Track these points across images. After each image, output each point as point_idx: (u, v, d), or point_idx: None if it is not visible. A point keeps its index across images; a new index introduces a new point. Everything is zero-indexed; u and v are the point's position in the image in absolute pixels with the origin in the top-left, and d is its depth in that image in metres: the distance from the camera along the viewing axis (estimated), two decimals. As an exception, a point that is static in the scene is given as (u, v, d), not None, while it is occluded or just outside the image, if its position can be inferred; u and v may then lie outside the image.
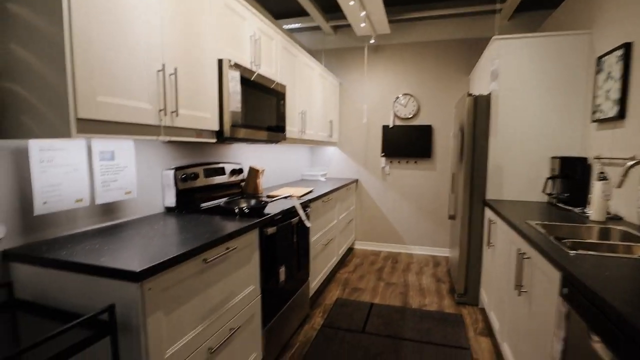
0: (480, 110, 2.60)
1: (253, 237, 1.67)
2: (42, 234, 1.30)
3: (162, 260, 1.07)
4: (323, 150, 4.27)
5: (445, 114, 3.78)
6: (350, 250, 4.08)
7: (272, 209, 1.95)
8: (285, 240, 1.89)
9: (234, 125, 1.83)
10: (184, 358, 1.21)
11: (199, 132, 1.68)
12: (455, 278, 2.85)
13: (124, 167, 1.57)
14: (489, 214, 2.44)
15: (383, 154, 3.95)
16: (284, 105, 2.43)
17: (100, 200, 1.45)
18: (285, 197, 2.35)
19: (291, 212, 2.10)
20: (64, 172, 1.31)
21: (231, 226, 1.52)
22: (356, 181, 4.10)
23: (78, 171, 1.37)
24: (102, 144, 1.46)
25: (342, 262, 3.65)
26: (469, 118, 2.60)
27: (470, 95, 2.60)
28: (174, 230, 1.47)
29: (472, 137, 2.61)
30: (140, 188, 1.74)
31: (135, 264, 1.03)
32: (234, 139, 1.91)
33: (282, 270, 1.88)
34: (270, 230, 1.75)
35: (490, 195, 2.58)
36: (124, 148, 1.57)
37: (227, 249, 1.46)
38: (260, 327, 1.78)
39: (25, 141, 1.24)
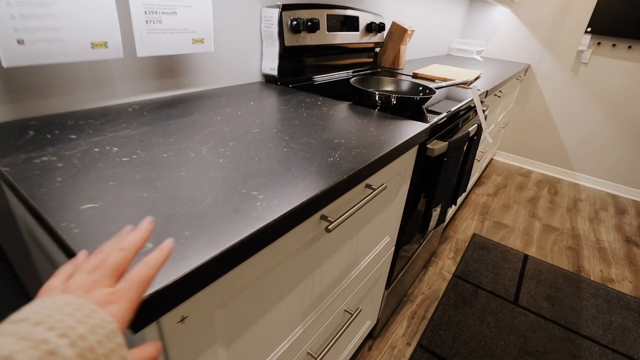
0: None
1: (407, 159, 0.89)
2: (18, 107, 0.70)
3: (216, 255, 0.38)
4: (486, 12, 2.88)
5: None
6: (488, 162, 3.09)
7: (437, 105, 1.08)
8: (453, 166, 1.07)
9: None
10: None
11: None
12: (672, 251, 1.81)
13: (191, -15, 0.80)
14: None
15: (589, 29, 2.46)
16: None
17: (144, 49, 0.75)
18: (457, 84, 1.41)
19: (463, 114, 1.20)
20: (59, -29, 0.60)
21: (371, 134, 0.74)
22: (527, 67, 2.78)
23: (92, -24, 0.64)
24: None
25: (478, 178, 2.75)
26: None
27: None
28: (267, 137, 0.74)
29: None
30: (219, 35, 0.99)
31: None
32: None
33: (437, 212, 1.12)
34: (438, 148, 0.93)
35: None
36: (189, -61, 0.77)
37: (369, 189, 0.72)
38: (383, 290, 1.16)
39: None
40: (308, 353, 0.78)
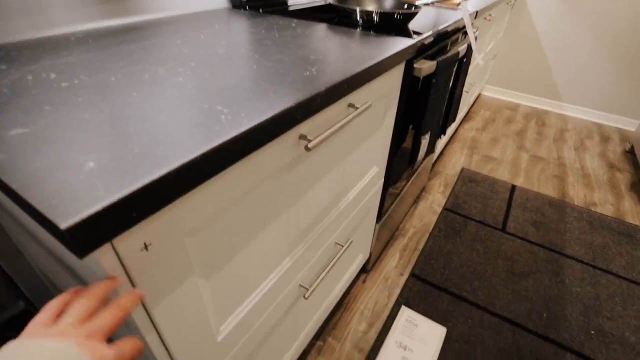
0: None
1: (393, 80, 0.82)
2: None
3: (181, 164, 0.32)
4: None
5: None
6: (476, 97, 3.02)
7: (422, 25, 0.99)
8: (442, 89, 1.01)
9: None
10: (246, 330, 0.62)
11: None
12: (654, 172, 1.84)
13: None
14: None
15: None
16: None
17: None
18: (438, 3, 1.29)
19: (452, 34, 1.11)
20: None
21: (353, 50, 0.66)
22: (518, -9, 2.61)
23: None
24: None
25: (466, 113, 2.69)
26: None
27: None
28: (233, 57, 0.66)
29: None
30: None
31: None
32: None
33: (426, 139, 1.08)
34: (426, 67, 0.86)
35: None
36: None
37: (352, 107, 0.65)
38: (374, 224, 1.15)
39: None
40: (300, 285, 0.77)
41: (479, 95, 3.08)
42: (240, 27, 0.82)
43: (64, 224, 0.26)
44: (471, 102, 2.52)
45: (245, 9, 1.03)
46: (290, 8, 1.13)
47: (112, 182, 0.30)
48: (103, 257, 0.32)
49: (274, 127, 0.43)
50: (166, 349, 0.45)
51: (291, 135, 0.51)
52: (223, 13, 0.96)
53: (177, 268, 0.41)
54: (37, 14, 0.68)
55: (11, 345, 0.25)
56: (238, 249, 0.51)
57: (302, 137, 0.53)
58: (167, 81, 0.50)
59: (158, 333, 0.43)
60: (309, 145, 0.50)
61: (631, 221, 1.71)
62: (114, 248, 0.33)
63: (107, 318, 0.30)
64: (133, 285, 0.36)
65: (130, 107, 0.42)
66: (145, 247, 0.35)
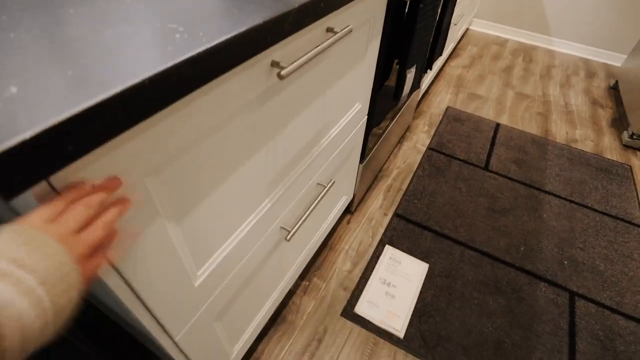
0: None
1: (376, 6, 0.73)
2: None
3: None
4: None
5: None
6: (464, 32, 2.88)
7: (413, -63, 0.87)
8: (430, 15, 0.92)
9: None
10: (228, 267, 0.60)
11: None
12: (629, 106, 1.84)
13: None
14: None
15: None
16: None
17: None
18: None
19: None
20: None
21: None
22: None
23: None
24: None
25: (453, 50, 2.57)
26: None
27: None
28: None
29: None
30: None
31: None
32: None
33: (411, 73, 1.01)
34: (413, -10, 0.77)
35: None
36: None
37: (331, 32, 0.58)
38: (357, 164, 1.12)
39: None
40: (282, 227, 0.75)
41: (467, 30, 2.93)
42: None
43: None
44: (458, 37, 2.41)
45: None
46: None
47: (39, 110, 0.24)
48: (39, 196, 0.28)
49: (239, 49, 0.37)
50: (139, 299, 0.43)
51: (262, 62, 0.45)
52: None
53: (138, 210, 0.37)
54: None
55: (19, 229, 0.25)
56: (210, 189, 0.47)
57: (275, 64, 0.47)
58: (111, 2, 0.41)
59: (127, 284, 0.40)
60: (282, 73, 0.44)
61: (609, 156, 1.74)
62: (52, 187, 0.28)
63: (97, 234, 0.29)
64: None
65: (65, 25, 0.35)
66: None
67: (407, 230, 1.29)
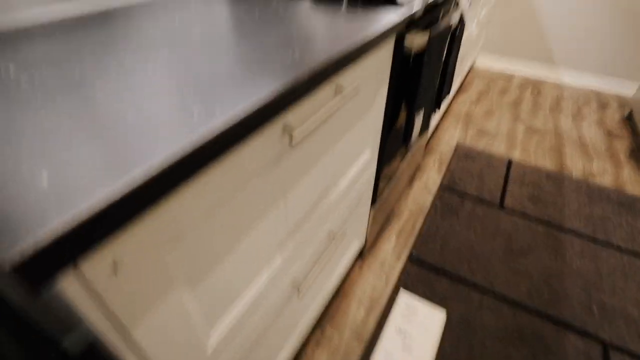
0: None
1: (383, 57, 0.74)
2: None
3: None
4: None
5: None
6: (470, 67, 2.92)
7: (416, -9, 0.90)
8: (435, 63, 0.94)
9: None
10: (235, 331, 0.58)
11: None
12: (653, 139, 1.80)
13: None
14: None
15: None
16: None
17: None
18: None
19: (443, 4, 1.02)
20: None
21: (339, 28, 0.58)
22: (512, -47, 2.47)
23: None
24: None
25: (460, 85, 2.60)
26: None
27: None
28: (216, 42, 0.58)
29: None
30: None
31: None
32: None
33: (420, 116, 1.01)
34: (418, 42, 0.79)
35: None
36: None
37: (339, 93, 0.59)
38: (369, 208, 1.10)
39: None
40: (293, 283, 0.72)
41: (472, 65, 2.98)
42: (217, 6, 0.73)
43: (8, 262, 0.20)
44: (465, 72, 2.44)
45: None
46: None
47: (69, 199, 0.24)
48: (72, 288, 0.27)
49: (253, 121, 0.37)
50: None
51: (275, 127, 0.45)
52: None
53: (156, 283, 0.36)
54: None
55: None
56: (222, 254, 0.46)
57: (286, 128, 0.47)
58: (136, 74, 0.42)
59: (141, 354, 0.38)
60: (293, 142, 0.43)
61: (631, 190, 1.69)
62: (77, 274, 0.27)
63: None
64: (108, 311, 0.31)
65: (93, 106, 0.35)
66: (116, 265, 0.30)
67: (421, 275, 1.24)
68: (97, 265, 0.28)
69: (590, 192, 1.66)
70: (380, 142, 0.94)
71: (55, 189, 0.25)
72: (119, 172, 0.27)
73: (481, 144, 1.97)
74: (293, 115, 0.48)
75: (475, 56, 2.73)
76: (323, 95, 0.54)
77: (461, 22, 1.08)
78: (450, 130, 2.08)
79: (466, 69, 2.44)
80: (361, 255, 1.30)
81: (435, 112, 1.29)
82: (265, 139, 0.44)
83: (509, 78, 2.79)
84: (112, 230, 0.26)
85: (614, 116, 2.32)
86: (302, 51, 0.49)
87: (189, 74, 0.41)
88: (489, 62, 2.97)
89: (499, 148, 1.95)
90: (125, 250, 0.30)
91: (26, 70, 0.43)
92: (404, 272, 1.25)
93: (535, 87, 2.66)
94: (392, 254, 1.32)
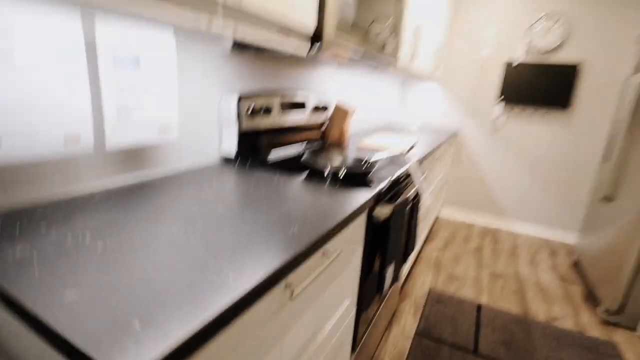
0: None
1: (358, 227, 0.99)
2: None
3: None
4: (417, 87, 3.34)
5: (614, 47, 2.61)
6: (435, 218, 3.34)
7: (381, 172, 1.23)
8: (399, 227, 1.20)
9: (339, 29, 1.05)
10: None
11: (284, 30, 0.94)
12: (595, 282, 2.03)
13: (157, 85, 0.91)
14: None
15: (502, 98, 2.94)
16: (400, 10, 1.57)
17: (114, 142, 0.82)
18: (395, 155, 1.60)
19: (403, 180, 1.37)
20: (40, 83, 0.68)
21: (324, 206, 0.84)
22: (456, 133, 3.20)
23: (69, 84, 0.72)
24: (116, 37, 0.79)
25: (427, 235, 2.93)
26: None
27: None
28: (228, 216, 0.82)
29: None
30: (182, 124, 1.09)
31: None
32: (331, 52, 1.15)
33: (390, 270, 1.21)
34: (384, 213, 1.06)
35: None
36: (156, 47, 0.89)
37: (326, 256, 0.79)
38: (349, 354, 1.18)
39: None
40: None
41: (437, 217, 3.40)
42: (231, 184, 1.00)
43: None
44: (431, 223, 2.79)
45: (235, 164, 1.25)
46: (271, 160, 1.37)
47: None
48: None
49: (262, 289, 0.55)
50: None
51: (279, 286, 0.63)
52: (217, 168, 1.17)
53: None
54: (48, 179, 0.83)
55: None
56: (230, 395, 0.57)
57: (287, 285, 0.65)
58: (174, 245, 0.62)
59: None
60: (293, 297, 0.61)
61: (592, 333, 1.81)
62: None
63: None
64: None
65: (149, 272, 0.54)
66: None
67: None
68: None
69: (557, 336, 1.77)
70: (358, 292, 1.11)
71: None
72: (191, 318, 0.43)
73: (452, 288, 2.14)
74: (293, 275, 0.67)
75: (439, 208, 3.17)
76: (315, 258, 0.75)
77: (416, 194, 1.41)
78: (422, 275, 2.28)
79: (432, 220, 2.81)
80: (345, 407, 1.29)
81: (403, 265, 1.51)
82: (273, 295, 0.62)
83: (470, 227, 3.17)
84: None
85: (564, 262, 2.61)
86: (300, 226, 0.72)
87: (217, 247, 0.62)
88: (451, 213, 3.41)
89: (468, 292, 2.11)
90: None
91: (98, 236, 0.62)
92: None
93: (493, 235, 3.02)
94: (376, 406, 1.31)
